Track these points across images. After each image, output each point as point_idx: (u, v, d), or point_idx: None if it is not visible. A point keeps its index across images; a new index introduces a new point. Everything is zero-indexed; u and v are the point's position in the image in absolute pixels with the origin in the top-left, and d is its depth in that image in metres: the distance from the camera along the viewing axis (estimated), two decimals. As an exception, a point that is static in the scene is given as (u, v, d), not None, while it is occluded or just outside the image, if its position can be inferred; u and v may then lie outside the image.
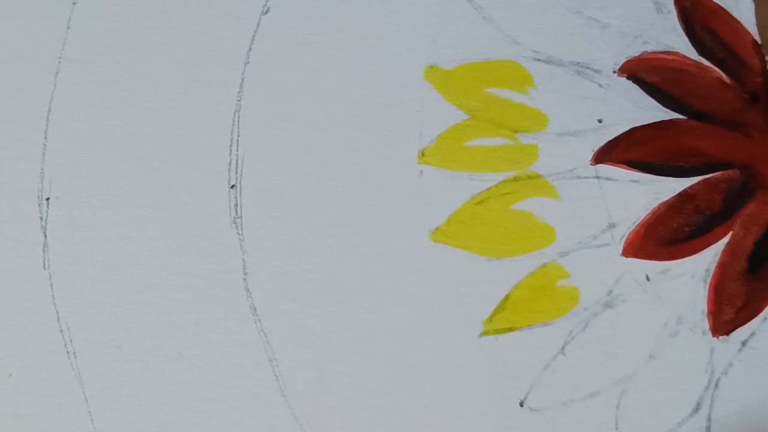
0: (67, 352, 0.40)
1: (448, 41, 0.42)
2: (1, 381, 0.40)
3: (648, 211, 0.40)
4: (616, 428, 0.39)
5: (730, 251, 0.40)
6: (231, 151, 0.42)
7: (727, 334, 0.39)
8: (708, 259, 0.40)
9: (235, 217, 0.41)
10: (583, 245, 0.40)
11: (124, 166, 0.42)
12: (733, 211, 0.40)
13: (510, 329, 0.40)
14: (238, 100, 0.42)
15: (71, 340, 0.40)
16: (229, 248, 0.41)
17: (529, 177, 0.41)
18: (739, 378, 0.39)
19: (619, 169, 0.41)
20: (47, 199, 0.41)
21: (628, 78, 0.42)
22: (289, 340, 0.40)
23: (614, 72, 0.42)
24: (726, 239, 0.40)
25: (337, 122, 0.42)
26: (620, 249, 0.40)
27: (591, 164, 0.41)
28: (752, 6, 0.42)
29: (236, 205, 0.41)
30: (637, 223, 0.40)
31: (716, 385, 0.39)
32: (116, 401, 0.40)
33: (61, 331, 0.40)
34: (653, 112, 0.41)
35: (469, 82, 0.42)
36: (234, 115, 0.42)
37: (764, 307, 0.39)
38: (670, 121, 0.41)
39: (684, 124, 0.40)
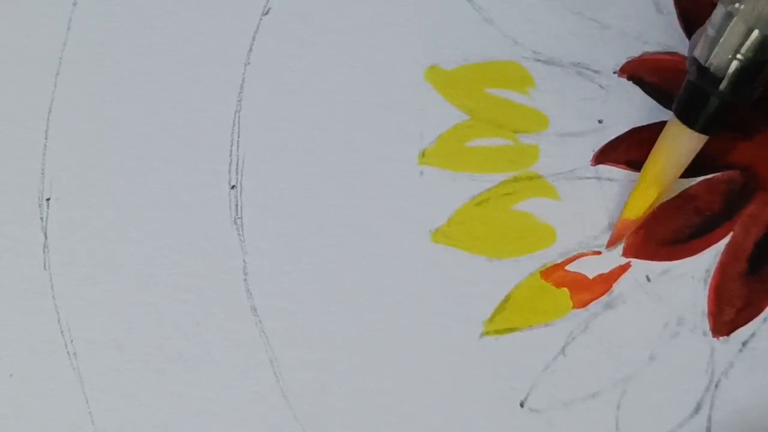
0: (68, 353, 0.40)
1: (449, 42, 0.42)
2: (1, 381, 0.40)
3: (648, 212, 0.40)
4: (617, 429, 0.39)
5: (730, 252, 0.40)
6: (231, 151, 0.42)
7: (728, 334, 0.39)
8: (708, 259, 0.40)
9: (235, 218, 0.41)
10: (583, 246, 0.40)
11: (124, 166, 0.42)
12: (733, 212, 0.40)
13: (510, 330, 0.40)
14: (239, 101, 0.42)
15: (72, 341, 0.40)
16: (229, 249, 0.41)
17: (530, 177, 0.41)
18: (739, 379, 0.39)
19: (619, 169, 0.41)
20: (48, 199, 0.41)
21: (629, 78, 0.42)
22: (290, 341, 0.40)
23: (615, 72, 0.42)
24: (726, 240, 0.40)
25: (337, 123, 0.42)
26: (621, 249, 0.40)
27: (591, 165, 0.41)
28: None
29: (237, 205, 0.41)
30: (637, 223, 0.40)
31: (717, 386, 0.39)
32: (117, 401, 0.40)
33: (62, 331, 0.40)
34: (654, 112, 0.41)
35: (469, 83, 0.42)
36: (234, 115, 0.42)
37: (764, 307, 0.39)
38: (670, 121, 0.41)
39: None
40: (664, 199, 0.40)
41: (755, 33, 0.36)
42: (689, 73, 0.38)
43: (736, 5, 0.36)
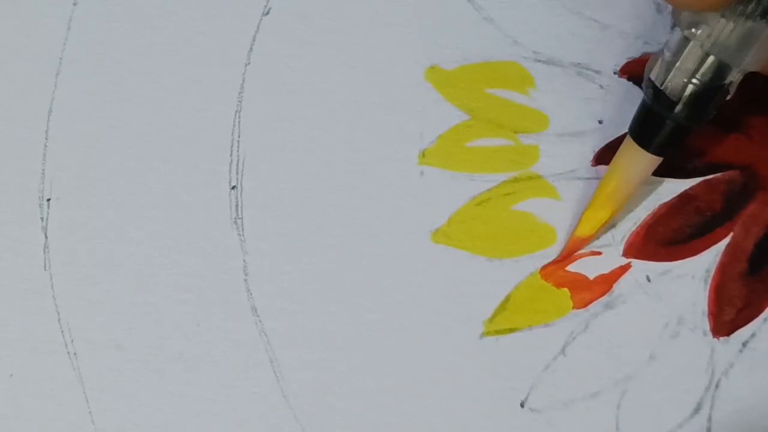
0: (68, 353, 0.40)
1: (449, 42, 0.42)
2: (1, 381, 0.40)
3: (648, 212, 0.40)
4: (617, 429, 0.39)
5: (730, 252, 0.40)
6: (232, 151, 0.42)
7: (728, 334, 0.39)
8: (708, 259, 0.40)
9: (235, 218, 0.41)
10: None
11: (124, 166, 0.42)
12: (733, 212, 0.40)
13: (511, 330, 0.40)
14: (239, 101, 0.42)
15: (72, 341, 0.40)
16: (229, 249, 0.41)
17: (530, 177, 0.41)
18: (739, 379, 0.39)
19: (619, 170, 0.41)
20: (48, 199, 0.41)
21: (629, 79, 0.42)
22: (290, 341, 0.40)
23: (615, 73, 0.42)
24: (726, 240, 0.40)
25: (337, 123, 0.42)
26: (621, 250, 0.40)
27: (592, 165, 0.41)
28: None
29: (237, 205, 0.41)
30: (637, 224, 0.40)
31: (717, 386, 0.39)
32: (117, 401, 0.40)
33: (62, 331, 0.40)
34: (654, 113, 0.41)
35: (469, 83, 0.42)
36: (234, 115, 0.42)
37: (765, 307, 0.39)
38: (670, 122, 0.41)
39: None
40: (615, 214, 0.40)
41: (711, 58, 0.36)
42: (645, 95, 0.38)
43: (693, 30, 0.36)
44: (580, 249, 0.40)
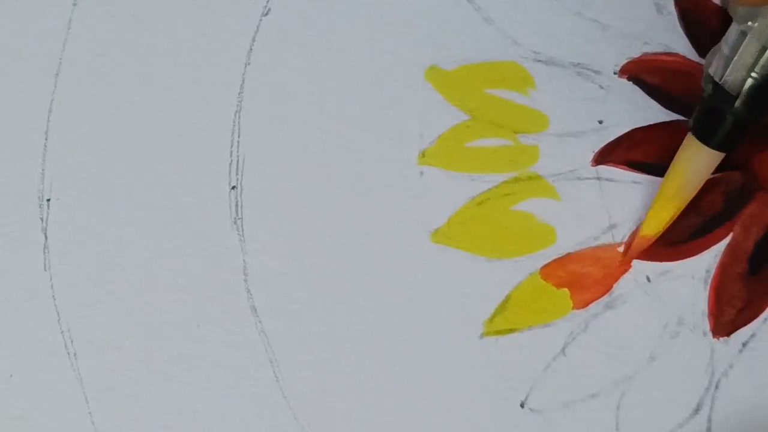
0: (68, 353, 0.40)
1: (449, 42, 0.42)
2: (1, 382, 0.40)
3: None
4: (617, 429, 0.39)
5: (730, 252, 0.40)
6: (231, 152, 0.42)
7: (728, 335, 0.39)
8: (708, 260, 0.40)
9: (235, 218, 0.41)
10: (583, 246, 0.40)
11: (124, 167, 0.42)
12: (733, 213, 0.40)
13: (511, 330, 0.40)
14: (239, 101, 0.42)
15: (72, 341, 0.40)
16: (229, 249, 0.41)
17: (530, 178, 0.41)
18: (739, 379, 0.39)
19: (619, 170, 0.41)
20: (48, 200, 0.41)
21: (629, 79, 0.42)
22: (290, 341, 0.40)
23: (615, 73, 0.42)
24: (726, 240, 0.40)
25: (337, 123, 0.42)
26: (621, 250, 0.40)
27: (591, 165, 0.41)
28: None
29: (237, 205, 0.41)
30: (637, 224, 0.40)
31: (717, 386, 0.39)
32: (117, 402, 0.40)
33: (62, 332, 0.40)
34: (654, 113, 0.41)
35: (469, 83, 0.42)
36: (234, 116, 0.42)
37: (764, 308, 0.39)
38: (670, 122, 0.41)
39: (685, 125, 0.40)
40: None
41: None
42: (705, 90, 0.38)
43: (749, 23, 0.36)
44: (644, 248, 0.40)
